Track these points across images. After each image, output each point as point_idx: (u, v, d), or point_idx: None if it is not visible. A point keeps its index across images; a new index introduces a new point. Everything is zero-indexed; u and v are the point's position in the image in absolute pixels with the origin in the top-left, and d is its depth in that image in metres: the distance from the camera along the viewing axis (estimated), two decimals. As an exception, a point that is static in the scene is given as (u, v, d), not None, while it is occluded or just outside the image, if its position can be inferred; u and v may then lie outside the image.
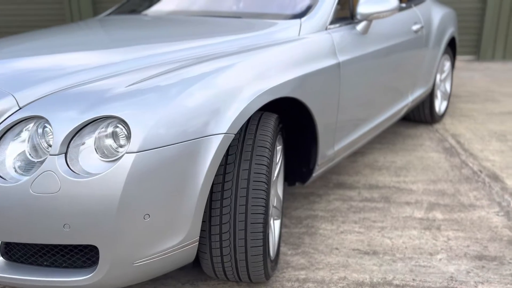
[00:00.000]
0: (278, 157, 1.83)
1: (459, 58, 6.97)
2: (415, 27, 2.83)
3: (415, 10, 2.98)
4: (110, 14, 2.79)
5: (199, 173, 1.31)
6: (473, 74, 5.79)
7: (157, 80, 1.39)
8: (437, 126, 3.64)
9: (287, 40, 1.83)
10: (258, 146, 1.50)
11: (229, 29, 1.93)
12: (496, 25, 6.75)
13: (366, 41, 2.24)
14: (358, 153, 3.06)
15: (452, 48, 3.80)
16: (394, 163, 2.89)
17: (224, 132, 1.35)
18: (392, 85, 2.64)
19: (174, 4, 2.53)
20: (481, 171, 2.73)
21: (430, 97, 3.44)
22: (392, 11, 2.17)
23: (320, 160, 2.00)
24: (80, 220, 1.21)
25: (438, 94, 3.64)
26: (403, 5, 2.93)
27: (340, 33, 2.08)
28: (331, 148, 2.07)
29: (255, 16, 2.13)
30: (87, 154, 1.25)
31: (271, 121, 1.61)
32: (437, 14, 3.32)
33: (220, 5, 2.35)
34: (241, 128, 1.53)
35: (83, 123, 1.25)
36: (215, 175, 1.44)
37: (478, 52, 6.95)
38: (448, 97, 3.85)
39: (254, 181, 1.44)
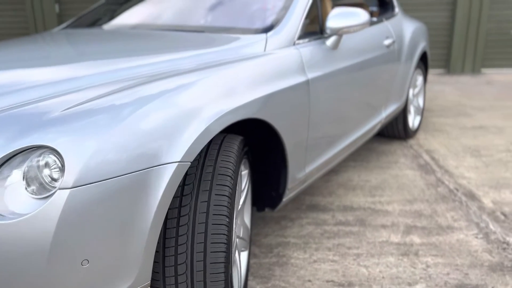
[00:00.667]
0: (245, 183, 1.68)
1: (430, 71, 7.03)
2: (387, 42, 2.75)
3: (387, 25, 2.91)
4: (66, 27, 2.60)
5: (149, 208, 1.14)
6: (444, 87, 5.81)
7: (101, 102, 1.22)
8: (411, 141, 3.57)
9: (252, 56, 1.69)
10: (219, 174, 1.34)
11: (189, 44, 1.78)
12: (464, 38, 6.85)
13: (337, 56, 2.13)
14: (332, 172, 2.94)
15: (424, 62, 3.76)
16: (368, 182, 2.78)
17: (178, 160, 1.19)
18: (364, 101, 2.54)
19: (136, 17, 2.37)
20: (457, 189, 2.65)
21: (403, 113, 3.37)
22: (362, 26, 2.07)
23: (290, 183, 1.85)
24: (4, 270, 1.02)
25: (411, 109, 3.58)
26: (374, 19, 2.85)
27: (309, 48, 1.96)
28: (302, 170, 1.94)
29: (218, 30, 1.99)
30: (13, 190, 1.06)
31: (235, 144, 1.46)
32: (409, 28, 3.27)
33: (182, 19, 2.20)
34: (200, 153, 1.38)
35: (8, 154, 1.07)
36: (169, 209, 1.27)
37: (448, 66, 7.03)
38: (421, 111, 3.79)
39: (214, 214, 1.28)
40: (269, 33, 1.85)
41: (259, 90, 1.56)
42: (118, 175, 1.10)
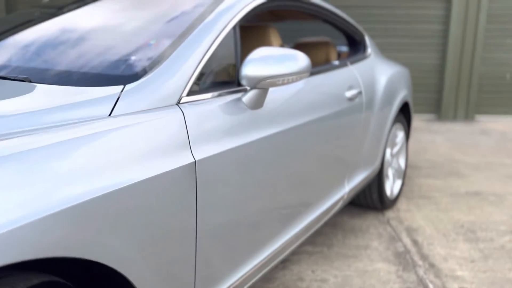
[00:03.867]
0: None
1: (419, 117, 6.39)
2: (349, 93, 2.06)
3: (352, 70, 2.23)
4: None
5: None
6: (435, 137, 5.13)
7: None
8: (390, 213, 2.83)
9: (85, 123, 0.98)
10: None
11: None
12: (456, 82, 6.25)
13: (259, 119, 1.42)
14: (279, 264, 2.18)
15: (405, 115, 3.08)
16: (325, 283, 2.02)
17: None
18: (312, 177, 1.81)
19: None
20: (445, 301, 1.89)
21: (378, 179, 2.65)
22: (298, 75, 1.38)
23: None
24: None
25: (390, 173, 2.86)
26: (336, 62, 2.17)
27: (206, 109, 1.25)
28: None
29: (54, 77, 1.26)
30: None
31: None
32: (384, 74, 2.59)
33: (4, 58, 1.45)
34: None
35: None
36: None
37: (439, 111, 6.39)
38: (403, 174, 3.08)
39: None
40: (129, 86, 1.14)
41: (63, 194, 0.84)
42: None
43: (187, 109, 1.19)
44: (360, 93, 2.15)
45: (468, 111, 6.33)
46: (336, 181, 2.07)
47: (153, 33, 1.39)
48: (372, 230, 2.58)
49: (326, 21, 2.35)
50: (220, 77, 1.40)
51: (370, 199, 2.74)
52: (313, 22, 2.49)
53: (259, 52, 1.35)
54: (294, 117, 1.60)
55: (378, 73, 2.52)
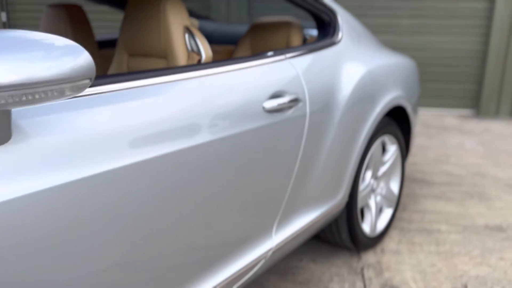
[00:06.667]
0: None
1: (452, 113, 5.43)
2: (272, 103, 1.34)
3: (288, 67, 1.49)
4: None
5: None
6: (464, 140, 4.23)
7: None
8: (369, 256, 2.10)
9: None
10: None
11: None
12: (501, 71, 5.21)
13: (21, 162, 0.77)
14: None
15: (401, 122, 2.31)
16: None
17: None
18: (192, 236, 1.15)
19: None
20: None
21: (347, 214, 1.93)
22: (61, 85, 0.72)
23: None
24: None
25: (372, 202, 2.12)
26: (266, 55, 1.46)
27: None
28: None
29: None
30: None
31: None
32: (357, 69, 1.83)
33: None
34: None
35: None
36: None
37: (478, 106, 5.40)
38: (396, 201, 2.31)
39: None
40: None
41: None
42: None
43: None
44: (296, 100, 1.43)
45: (514, 107, 5.29)
46: (253, 232, 1.38)
47: None
48: (333, 287, 1.87)
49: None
50: None
51: (339, 238, 2.03)
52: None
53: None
54: (131, 148, 0.94)
55: (346, 68, 1.77)
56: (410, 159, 3.57)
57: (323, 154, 1.63)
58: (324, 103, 1.59)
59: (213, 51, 2.37)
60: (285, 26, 2.05)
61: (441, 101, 5.50)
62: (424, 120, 5.02)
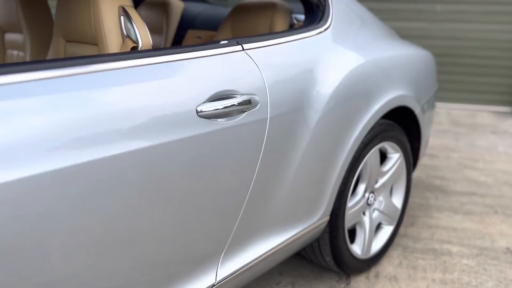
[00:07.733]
0: None
1: (487, 109, 4.91)
2: (206, 107, 1.05)
3: (242, 59, 1.18)
4: None
5: None
6: (497, 141, 3.77)
7: None
8: (359, 282, 1.79)
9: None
10: None
11: None
12: (546, 65, 4.66)
13: None
14: None
15: (407, 125, 1.96)
16: None
17: None
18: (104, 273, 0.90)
19: None
20: None
21: (330, 235, 1.62)
22: None
23: None
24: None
25: (365, 219, 1.80)
26: (218, 44, 1.17)
27: None
28: None
29: None
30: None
31: None
32: (348, 62, 1.50)
33: None
34: None
35: None
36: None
37: (516, 103, 4.87)
38: (399, 217, 1.98)
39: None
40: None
41: None
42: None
43: None
44: (249, 102, 1.13)
45: (558, 105, 4.73)
46: (189, 265, 1.11)
47: None
48: (309, 318, 1.58)
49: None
50: None
51: (323, 261, 1.73)
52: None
53: None
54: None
55: (331, 61, 1.44)
56: (430, 162, 3.19)
57: (292, 166, 1.33)
58: (294, 104, 1.29)
59: (194, 37, 2.09)
60: (269, 8, 1.74)
61: (475, 96, 5.00)
62: (453, 117, 4.56)
